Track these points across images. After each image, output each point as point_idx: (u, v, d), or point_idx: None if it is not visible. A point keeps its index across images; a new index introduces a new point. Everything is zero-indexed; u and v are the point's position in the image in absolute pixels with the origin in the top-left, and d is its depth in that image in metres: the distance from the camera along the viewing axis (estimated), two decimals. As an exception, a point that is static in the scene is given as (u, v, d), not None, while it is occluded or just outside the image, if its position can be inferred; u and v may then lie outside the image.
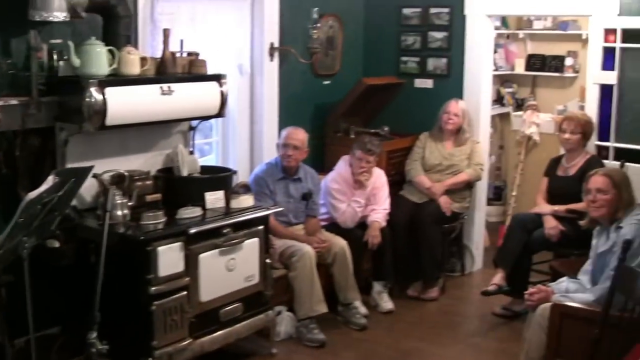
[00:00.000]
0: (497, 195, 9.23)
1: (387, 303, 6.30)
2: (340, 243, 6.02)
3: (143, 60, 4.82)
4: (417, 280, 6.72)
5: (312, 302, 5.65)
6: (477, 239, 7.44)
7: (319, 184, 6.24)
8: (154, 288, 4.48)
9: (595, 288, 4.47)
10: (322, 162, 6.93)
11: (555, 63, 9.04)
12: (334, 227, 6.30)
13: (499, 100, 9.18)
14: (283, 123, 6.35)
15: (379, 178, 6.45)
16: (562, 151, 6.50)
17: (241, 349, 5.38)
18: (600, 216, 4.67)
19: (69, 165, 4.71)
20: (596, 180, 4.71)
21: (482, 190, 7.37)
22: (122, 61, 4.70)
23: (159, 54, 5.03)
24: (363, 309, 6.07)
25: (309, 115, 6.94)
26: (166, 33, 4.99)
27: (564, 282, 4.79)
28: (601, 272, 4.55)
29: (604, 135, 6.70)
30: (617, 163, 6.34)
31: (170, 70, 4.98)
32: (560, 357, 4.38)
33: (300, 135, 5.95)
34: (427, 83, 7.34)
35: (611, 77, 6.57)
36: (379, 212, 6.36)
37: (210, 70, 5.33)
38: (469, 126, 6.85)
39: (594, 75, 6.70)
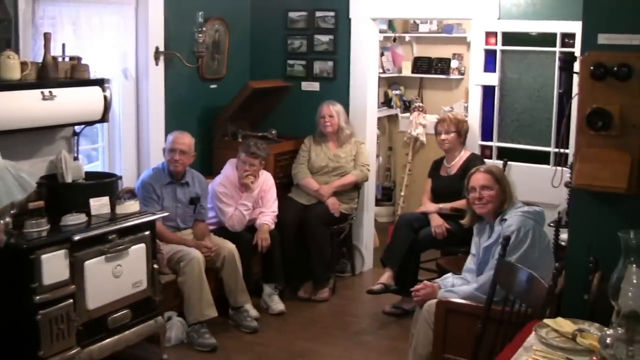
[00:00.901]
0: (386, 195, 9.35)
1: (278, 305, 6.32)
2: (229, 247, 6.01)
3: (24, 64, 4.71)
4: (308, 281, 6.75)
5: (201, 307, 5.61)
6: (367, 240, 7.52)
7: (206, 188, 6.21)
8: (38, 297, 4.38)
9: (479, 278, 4.58)
10: (210, 166, 6.90)
11: (441, 65, 9.24)
12: (222, 231, 6.27)
13: (387, 102, 9.32)
14: (170, 127, 6.29)
15: (266, 181, 6.46)
16: (445, 152, 6.63)
17: (131, 356, 5.29)
18: (487, 212, 4.77)
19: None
20: (478, 178, 4.81)
21: (370, 191, 7.45)
22: (2, 66, 4.58)
23: (40, 59, 4.93)
24: (254, 312, 6.07)
25: (196, 119, 6.90)
26: (47, 37, 4.89)
27: (449, 278, 4.88)
28: (486, 264, 4.66)
29: (487, 135, 6.87)
30: (500, 162, 6.50)
31: (52, 75, 4.88)
32: (447, 353, 4.44)
33: (186, 140, 5.91)
34: (314, 86, 7.40)
35: (492, 79, 6.73)
36: (268, 215, 6.38)
37: (95, 75, 5.26)
38: (346, 123, 6.93)
39: (476, 77, 6.86)
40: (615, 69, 3.49)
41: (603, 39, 3.67)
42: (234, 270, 5.96)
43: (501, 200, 4.73)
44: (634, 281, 2.46)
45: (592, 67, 3.56)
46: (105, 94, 5.15)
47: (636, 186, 3.58)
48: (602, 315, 3.30)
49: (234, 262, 5.96)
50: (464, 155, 6.40)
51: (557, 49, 6.35)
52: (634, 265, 2.47)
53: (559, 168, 4.29)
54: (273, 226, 6.38)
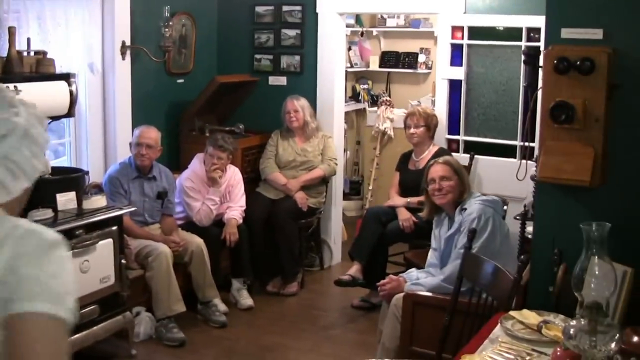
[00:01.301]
0: (354, 190, 9.37)
1: (247, 300, 6.32)
2: (197, 242, 6.00)
3: (-13, 59, 4.69)
4: (276, 275, 6.77)
5: (170, 302, 5.61)
6: (335, 234, 7.54)
7: (173, 182, 6.20)
8: (4, 293, 4.35)
9: (444, 269, 4.61)
10: (177, 161, 6.89)
11: (408, 60, 9.27)
12: (190, 226, 6.26)
13: (354, 96, 9.33)
14: (136, 122, 6.27)
15: (233, 175, 6.46)
16: (414, 146, 6.65)
17: (100, 351, 5.28)
18: (447, 202, 4.83)
19: None
20: (437, 169, 4.88)
21: (338, 185, 7.47)
22: (-35, 61, 4.57)
23: (4, 53, 4.89)
24: (222, 307, 6.07)
25: (163, 114, 6.88)
26: (12, 31, 4.86)
27: (413, 272, 4.91)
28: (449, 256, 4.70)
29: (453, 129, 6.91)
30: (467, 156, 6.54)
31: (17, 69, 4.85)
32: (414, 345, 4.47)
33: (153, 134, 5.89)
34: (281, 80, 7.40)
35: (459, 73, 6.77)
36: (235, 210, 6.38)
37: (60, 70, 5.23)
38: (312, 117, 6.94)
39: (443, 71, 6.89)
40: (578, 62, 3.51)
41: (566, 33, 3.69)
42: (202, 265, 5.96)
43: (460, 191, 4.81)
44: (596, 272, 2.49)
45: (555, 61, 3.59)
46: (71, 89, 5.13)
47: (599, 179, 3.62)
48: (566, 307, 3.34)
49: (202, 257, 5.96)
50: (432, 149, 6.44)
51: (523, 43, 6.40)
52: (596, 257, 2.50)
53: (525, 161, 4.31)
54: (241, 221, 6.38)
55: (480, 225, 4.49)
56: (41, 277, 1.63)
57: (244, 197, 6.48)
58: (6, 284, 1.59)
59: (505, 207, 5.20)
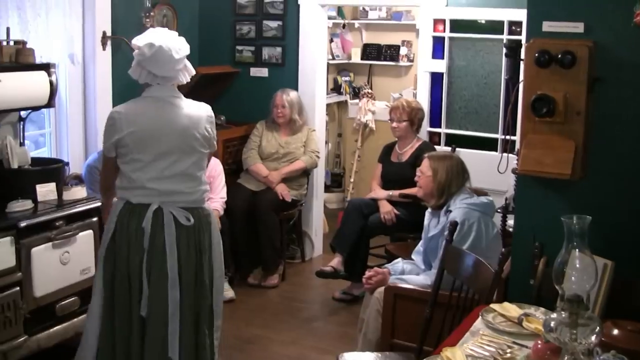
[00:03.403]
0: (336, 182, 9.38)
1: (228, 292, 6.29)
2: None
3: (-34, 49, 4.65)
4: (257, 267, 6.75)
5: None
6: (316, 226, 7.54)
7: None
8: (-17, 284, 4.34)
9: (431, 272, 4.59)
10: (158, 153, 6.83)
11: (390, 52, 9.28)
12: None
13: (336, 89, 9.33)
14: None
15: (214, 167, 6.41)
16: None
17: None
18: (423, 196, 4.88)
19: None
20: (423, 161, 4.92)
21: (319, 177, 7.46)
22: (-56, 50, 4.52)
23: (-17, 43, 4.86)
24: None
25: (145, 105, 6.82)
26: (-9, 21, 4.83)
27: (399, 263, 4.90)
28: (432, 254, 4.69)
29: (435, 122, 6.92)
30: (449, 148, 6.55)
31: (-4, 59, 4.82)
32: (396, 338, 4.47)
33: None
34: (263, 72, 7.38)
35: (441, 66, 6.78)
36: (217, 201, 6.34)
37: (40, 60, 5.19)
38: (299, 115, 6.92)
39: (424, 64, 6.90)
40: (560, 56, 3.53)
41: (547, 26, 3.71)
42: None
43: (438, 190, 4.78)
44: (577, 265, 2.49)
45: (536, 54, 3.60)
46: (51, 79, 5.08)
47: (580, 172, 3.64)
48: (547, 299, 3.36)
49: None
50: (415, 143, 6.42)
51: (505, 36, 6.42)
52: (577, 250, 2.50)
53: (506, 154, 4.33)
54: (222, 212, 6.35)
55: (463, 231, 4.46)
56: None
57: (225, 188, 6.44)
58: None
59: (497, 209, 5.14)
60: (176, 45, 4.08)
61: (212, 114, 4.26)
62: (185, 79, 4.21)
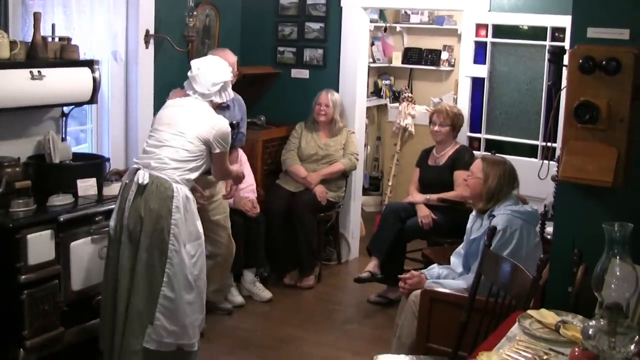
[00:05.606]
0: (374, 185, 9.37)
1: (265, 292, 6.33)
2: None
3: (13, 44, 4.68)
4: (294, 268, 6.77)
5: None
6: (353, 228, 7.53)
7: (245, 112, 6.03)
8: (23, 276, 4.38)
9: (468, 276, 4.57)
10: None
11: (431, 57, 9.25)
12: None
13: (376, 92, 9.32)
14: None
15: (240, 157, 6.34)
16: (436, 142, 6.64)
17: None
18: (469, 197, 4.87)
19: None
20: (476, 162, 4.91)
21: (357, 179, 7.46)
22: (-9, 45, 4.58)
23: (29, 39, 4.90)
24: (239, 299, 6.17)
25: (185, 104, 6.86)
26: (37, 17, 4.86)
27: (435, 268, 4.89)
28: (473, 257, 4.66)
29: (475, 127, 6.90)
30: (488, 154, 6.51)
31: (41, 55, 4.85)
32: (430, 342, 4.45)
33: (230, 58, 5.62)
34: (304, 73, 7.39)
35: (482, 71, 6.76)
36: (248, 192, 6.32)
37: (84, 56, 5.24)
38: (341, 117, 6.91)
39: (466, 69, 6.87)
40: (604, 62, 3.50)
41: (592, 32, 3.68)
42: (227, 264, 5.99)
43: (480, 193, 4.75)
44: (617, 273, 2.47)
45: (580, 61, 3.57)
46: (95, 75, 5.13)
47: (621, 180, 3.60)
48: (585, 307, 3.33)
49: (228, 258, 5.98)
50: (454, 147, 6.41)
51: (547, 42, 6.38)
52: (618, 258, 2.48)
53: (546, 161, 4.30)
54: (254, 196, 6.35)
55: (505, 238, 4.42)
56: None
57: (252, 175, 6.42)
58: None
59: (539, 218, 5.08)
60: (217, 70, 4.76)
61: (223, 130, 4.69)
62: (220, 99, 4.83)
